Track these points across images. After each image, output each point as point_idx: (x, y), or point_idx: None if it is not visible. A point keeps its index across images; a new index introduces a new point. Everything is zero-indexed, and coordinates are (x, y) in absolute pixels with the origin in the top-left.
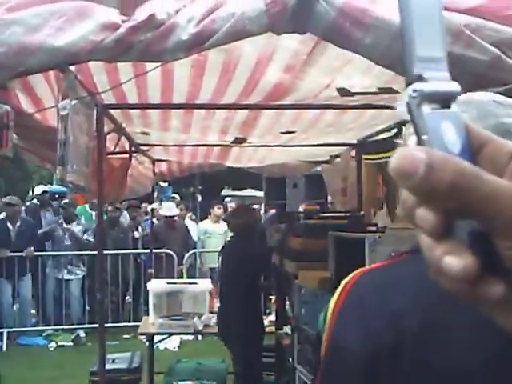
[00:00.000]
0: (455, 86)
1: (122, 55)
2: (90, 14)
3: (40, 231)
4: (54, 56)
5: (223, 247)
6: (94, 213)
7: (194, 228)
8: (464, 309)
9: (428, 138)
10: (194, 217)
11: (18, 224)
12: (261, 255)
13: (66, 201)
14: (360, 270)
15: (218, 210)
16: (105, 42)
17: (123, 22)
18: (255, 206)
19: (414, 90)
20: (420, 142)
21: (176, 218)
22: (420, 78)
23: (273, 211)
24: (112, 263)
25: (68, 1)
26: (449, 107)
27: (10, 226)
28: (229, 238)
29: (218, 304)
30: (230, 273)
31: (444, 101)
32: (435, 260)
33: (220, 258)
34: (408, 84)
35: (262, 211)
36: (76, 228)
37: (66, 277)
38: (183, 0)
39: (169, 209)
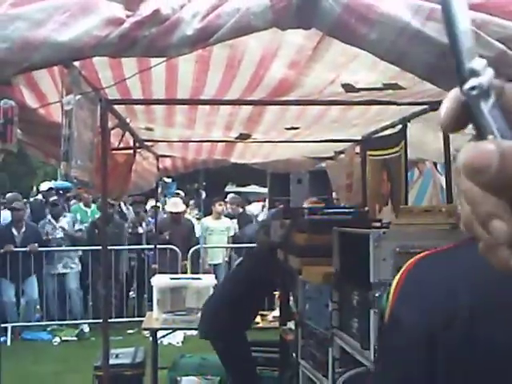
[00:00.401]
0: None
1: (127, 50)
2: (95, 9)
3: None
4: (58, 51)
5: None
6: (88, 210)
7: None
8: None
9: (494, 133)
10: (197, 213)
11: (23, 230)
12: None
13: (55, 198)
14: (422, 253)
15: (219, 207)
16: (109, 38)
17: (128, 17)
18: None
19: (472, 88)
20: (484, 137)
21: (182, 216)
22: (474, 73)
23: (281, 207)
24: (113, 259)
25: None
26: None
27: (14, 231)
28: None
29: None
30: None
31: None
32: None
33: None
34: (462, 82)
35: (267, 207)
36: (65, 220)
37: (62, 271)
38: None
39: (175, 205)
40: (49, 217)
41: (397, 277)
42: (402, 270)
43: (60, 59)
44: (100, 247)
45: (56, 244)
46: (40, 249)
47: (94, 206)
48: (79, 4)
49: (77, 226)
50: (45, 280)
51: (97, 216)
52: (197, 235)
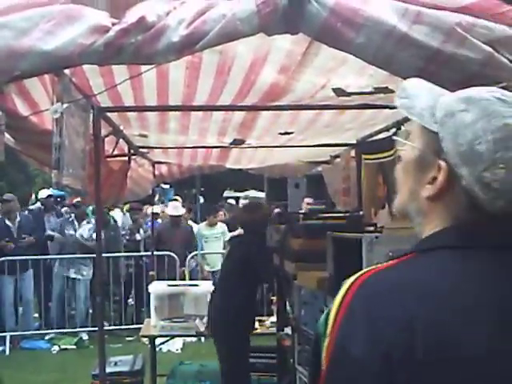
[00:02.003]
0: None
1: (113, 58)
2: (80, 17)
3: (48, 232)
4: (44, 60)
5: (230, 239)
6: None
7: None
8: (475, 308)
9: None
10: (193, 218)
11: (18, 219)
12: (265, 253)
13: (79, 199)
14: (365, 270)
15: (213, 219)
16: (95, 45)
17: (113, 24)
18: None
19: None
20: None
21: (181, 220)
22: None
23: (277, 211)
24: (113, 265)
25: (58, 4)
26: None
27: (9, 223)
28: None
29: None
30: (232, 267)
31: None
32: None
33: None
34: None
35: None
36: (87, 227)
37: (73, 275)
38: (174, 2)
39: (175, 208)
40: (72, 218)
41: (338, 298)
42: (345, 290)
43: (47, 68)
44: (110, 255)
45: (69, 247)
46: (43, 257)
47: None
48: (64, 12)
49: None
50: (45, 285)
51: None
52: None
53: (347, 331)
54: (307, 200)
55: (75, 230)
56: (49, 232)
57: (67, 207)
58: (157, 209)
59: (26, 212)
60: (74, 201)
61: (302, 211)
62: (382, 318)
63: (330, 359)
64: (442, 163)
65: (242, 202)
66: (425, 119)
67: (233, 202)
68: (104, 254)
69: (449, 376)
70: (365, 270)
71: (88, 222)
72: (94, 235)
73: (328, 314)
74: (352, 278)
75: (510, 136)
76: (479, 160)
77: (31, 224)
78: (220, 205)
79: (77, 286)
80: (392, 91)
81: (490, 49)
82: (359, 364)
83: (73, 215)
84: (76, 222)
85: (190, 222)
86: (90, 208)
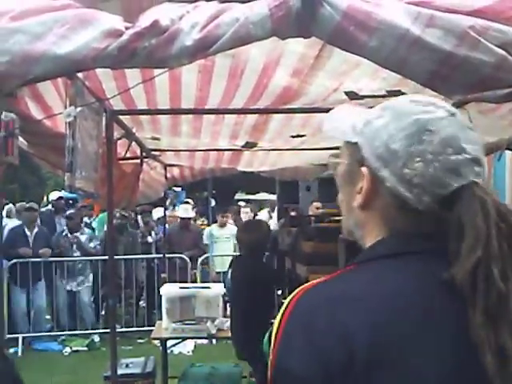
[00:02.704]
0: None
1: (126, 62)
2: (93, 22)
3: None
4: (58, 64)
5: (231, 263)
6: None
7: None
8: (416, 323)
9: None
10: (205, 221)
11: (36, 230)
12: (271, 272)
13: (72, 211)
14: (305, 285)
15: (222, 219)
16: (108, 49)
17: (127, 28)
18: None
19: None
20: None
21: (191, 222)
22: None
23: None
24: (124, 268)
25: (71, 8)
26: None
27: (27, 232)
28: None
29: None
30: (242, 293)
31: None
32: None
33: (229, 275)
34: None
35: (275, 214)
36: (82, 238)
37: (76, 289)
38: (187, 6)
39: (185, 210)
40: (66, 231)
41: (278, 316)
42: (285, 305)
43: (61, 72)
44: (120, 257)
45: (72, 261)
46: (52, 259)
47: (105, 214)
48: (78, 16)
49: (92, 244)
50: (56, 291)
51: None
52: (204, 242)
53: (285, 348)
54: (316, 204)
55: (71, 245)
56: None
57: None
58: (159, 212)
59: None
60: (68, 213)
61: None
62: (318, 332)
63: (271, 378)
64: (364, 169)
65: (242, 210)
66: (347, 135)
67: (243, 204)
68: (116, 257)
69: None
70: (305, 285)
71: (82, 234)
72: (92, 244)
73: (270, 334)
74: (292, 294)
75: (422, 130)
76: (396, 158)
77: (47, 237)
78: (223, 210)
79: (80, 296)
80: (404, 94)
81: (503, 52)
82: (298, 379)
83: (66, 228)
84: (69, 234)
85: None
86: (100, 218)
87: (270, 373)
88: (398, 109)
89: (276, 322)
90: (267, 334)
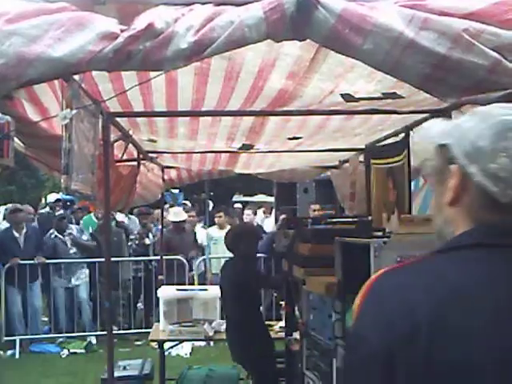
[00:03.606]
0: None
1: (122, 65)
2: (89, 24)
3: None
4: (54, 67)
5: (222, 268)
6: (100, 222)
7: (204, 234)
8: (479, 306)
9: None
10: (203, 224)
11: (25, 231)
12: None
13: (61, 212)
14: (383, 270)
15: (219, 219)
16: (104, 52)
17: (122, 31)
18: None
19: None
20: None
21: (185, 224)
22: None
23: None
24: (123, 270)
25: (67, 11)
26: None
27: (16, 233)
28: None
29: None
30: (231, 295)
31: None
32: None
33: (220, 277)
34: None
35: (273, 216)
36: (69, 237)
37: (75, 282)
38: (182, 9)
39: (176, 214)
40: (55, 232)
41: (358, 295)
42: (365, 285)
43: (56, 74)
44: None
45: (68, 262)
46: (48, 261)
47: (89, 216)
48: (73, 19)
49: (85, 237)
50: (55, 292)
51: (91, 228)
52: (202, 244)
53: (361, 321)
54: (313, 206)
55: (65, 244)
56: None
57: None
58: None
59: (36, 218)
60: (57, 213)
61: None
62: (387, 308)
63: (346, 347)
64: (453, 167)
65: (246, 212)
66: (437, 138)
67: (239, 206)
68: (113, 258)
69: (446, 365)
70: (383, 269)
71: (70, 233)
72: (84, 237)
73: (353, 307)
74: (372, 276)
75: (507, 128)
76: (483, 154)
77: (37, 236)
78: (219, 209)
79: (78, 291)
80: (400, 97)
81: (497, 55)
82: (367, 349)
83: (55, 232)
84: (60, 236)
85: (198, 227)
86: (92, 217)
87: (350, 336)
88: (485, 112)
89: (356, 300)
90: (351, 309)
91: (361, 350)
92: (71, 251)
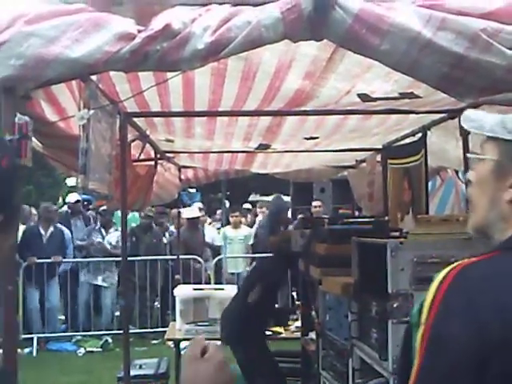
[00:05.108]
0: None
1: (139, 65)
2: (106, 25)
3: (77, 242)
4: (72, 67)
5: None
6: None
7: (215, 233)
8: None
9: None
10: (218, 223)
11: (52, 230)
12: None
13: (104, 208)
14: (455, 264)
15: (234, 219)
16: (121, 53)
17: (139, 32)
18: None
19: None
20: None
21: (199, 221)
22: None
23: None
24: (141, 269)
25: (85, 12)
26: None
27: (42, 231)
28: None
29: None
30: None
31: None
32: None
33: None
34: None
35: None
36: (115, 234)
37: (101, 283)
38: (199, 9)
39: (190, 211)
40: (98, 225)
41: (432, 289)
42: (439, 281)
43: (74, 75)
44: (135, 258)
45: (100, 254)
46: (68, 260)
47: (131, 214)
48: (91, 20)
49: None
50: (72, 290)
51: (134, 224)
52: (212, 243)
53: (445, 317)
54: (315, 203)
55: (103, 238)
56: (77, 242)
57: (92, 211)
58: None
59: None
60: (100, 209)
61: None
62: (478, 306)
63: (426, 345)
64: None
65: (259, 210)
66: (498, 132)
67: (249, 206)
68: (130, 258)
69: None
70: (457, 263)
71: (116, 230)
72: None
73: (421, 305)
74: (445, 271)
75: None
76: None
77: (62, 238)
78: (235, 209)
79: (103, 293)
80: (417, 96)
81: None
82: (458, 342)
83: (99, 223)
84: (103, 230)
85: (210, 227)
86: (119, 214)
87: (425, 339)
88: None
89: (430, 295)
90: (417, 307)
91: (450, 353)
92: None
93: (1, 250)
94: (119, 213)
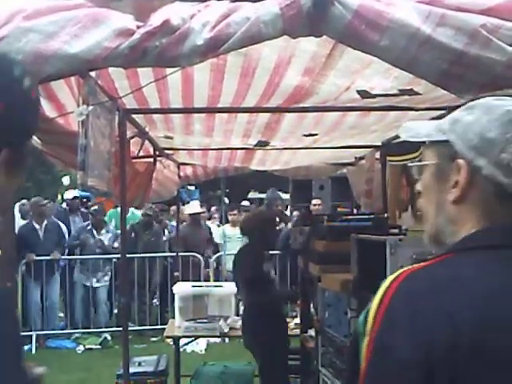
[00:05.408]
0: None
1: (138, 61)
2: (105, 21)
3: (71, 241)
4: (70, 63)
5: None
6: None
7: (216, 231)
8: None
9: None
10: (217, 221)
11: (45, 223)
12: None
13: (95, 208)
14: (402, 270)
15: (233, 217)
16: (120, 48)
17: (138, 27)
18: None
19: None
20: None
21: (201, 217)
22: None
23: (296, 213)
24: (139, 267)
25: (83, 8)
26: None
27: (36, 226)
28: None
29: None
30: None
31: None
32: None
33: (233, 263)
34: None
35: (289, 213)
36: (106, 236)
37: (95, 285)
38: (198, 5)
39: (192, 207)
40: (89, 225)
41: (377, 296)
42: (384, 288)
43: (73, 71)
44: (134, 256)
45: (89, 254)
46: (65, 257)
47: (131, 210)
48: (90, 16)
49: (116, 244)
50: (70, 289)
51: (132, 221)
52: (217, 242)
53: (389, 328)
54: (314, 201)
55: (94, 238)
56: (73, 242)
57: (87, 209)
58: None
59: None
60: (92, 209)
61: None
62: (423, 314)
63: (371, 356)
64: (460, 161)
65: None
66: (433, 136)
67: (247, 203)
68: (128, 255)
69: (489, 376)
70: (402, 269)
71: (107, 231)
72: (116, 244)
73: (367, 313)
74: (391, 277)
75: None
76: (493, 145)
77: (58, 230)
78: (233, 207)
79: (97, 292)
80: (417, 93)
81: None
82: (402, 355)
83: (90, 224)
84: (94, 231)
85: (212, 223)
86: (111, 213)
87: (370, 349)
88: (486, 105)
89: (375, 303)
90: (362, 315)
91: (390, 362)
92: (97, 250)
93: (7, 192)
94: (118, 211)
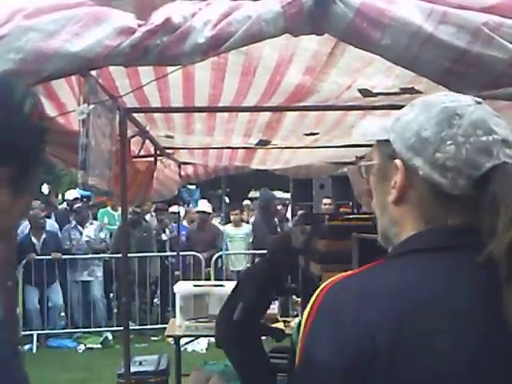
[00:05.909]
0: None
1: (139, 59)
2: (106, 19)
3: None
4: (71, 62)
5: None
6: (116, 213)
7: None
8: (440, 315)
9: None
10: (220, 220)
11: (44, 237)
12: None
13: (79, 205)
14: (332, 278)
15: (235, 217)
16: (121, 47)
17: (139, 26)
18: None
19: None
20: None
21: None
22: None
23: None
24: (138, 265)
25: (84, 6)
26: None
27: (34, 240)
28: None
29: None
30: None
31: None
32: None
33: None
34: None
35: (290, 212)
36: (92, 227)
37: (87, 278)
38: (199, 3)
39: (201, 205)
40: (74, 223)
41: (307, 308)
42: (313, 298)
43: (74, 69)
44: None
45: (82, 251)
46: (64, 256)
47: (106, 209)
48: (91, 14)
49: (102, 235)
50: (69, 287)
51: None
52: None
53: (312, 340)
54: (325, 200)
55: (81, 234)
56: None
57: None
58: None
59: (54, 215)
60: (75, 206)
61: (322, 212)
62: (343, 326)
63: (298, 367)
64: (397, 162)
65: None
66: (377, 134)
67: (248, 203)
68: (130, 254)
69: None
70: (332, 278)
71: (91, 224)
72: (102, 234)
73: (300, 322)
74: (321, 286)
75: (451, 115)
76: (428, 144)
77: (55, 241)
78: (234, 207)
79: (91, 288)
80: (418, 92)
81: None
82: (324, 368)
83: (73, 221)
84: (79, 226)
85: (215, 223)
86: (101, 212)
87: (298, 359)
88: (425, 102)
89: (305, 314)
90: (297, 323)
91: (314, 372)
92: (83, 242)
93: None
94: (109, 209)
